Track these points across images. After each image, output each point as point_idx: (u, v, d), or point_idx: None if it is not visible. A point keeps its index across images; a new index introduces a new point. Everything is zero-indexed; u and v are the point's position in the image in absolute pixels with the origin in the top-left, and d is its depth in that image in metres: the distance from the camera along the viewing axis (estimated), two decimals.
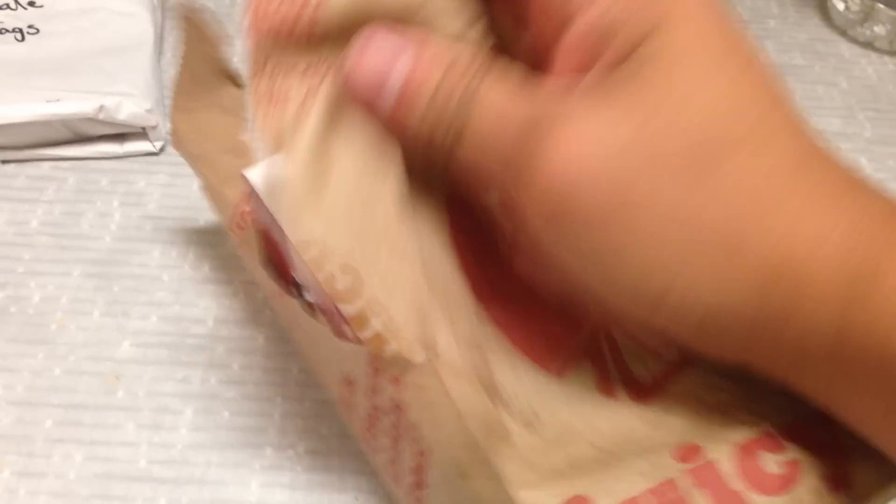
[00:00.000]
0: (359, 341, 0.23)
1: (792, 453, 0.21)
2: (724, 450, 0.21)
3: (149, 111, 0.38)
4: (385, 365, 0.22)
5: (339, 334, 0.24)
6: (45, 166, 0.39)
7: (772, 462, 0.21)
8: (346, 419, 0.28)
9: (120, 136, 0.39)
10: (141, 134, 0.39)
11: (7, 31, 0.42)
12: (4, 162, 0.39)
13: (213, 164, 0.32)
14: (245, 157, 0.27)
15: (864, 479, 0.21)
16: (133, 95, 0.39)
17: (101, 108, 0.38)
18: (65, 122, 0.38)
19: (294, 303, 0.25)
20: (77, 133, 0.39)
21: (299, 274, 0.25)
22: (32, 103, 0.38)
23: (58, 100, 0.38)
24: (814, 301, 0.18)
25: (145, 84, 0.40)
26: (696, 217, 0.19)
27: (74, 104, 0.38)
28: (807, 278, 0.18)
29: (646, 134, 0.19)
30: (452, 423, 0.20)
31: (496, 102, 0.21)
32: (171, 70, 0.44)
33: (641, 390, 0.23)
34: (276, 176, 0.25)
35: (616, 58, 0.20)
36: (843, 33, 0.50)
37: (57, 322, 0.33)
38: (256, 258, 0.27)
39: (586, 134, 0.19)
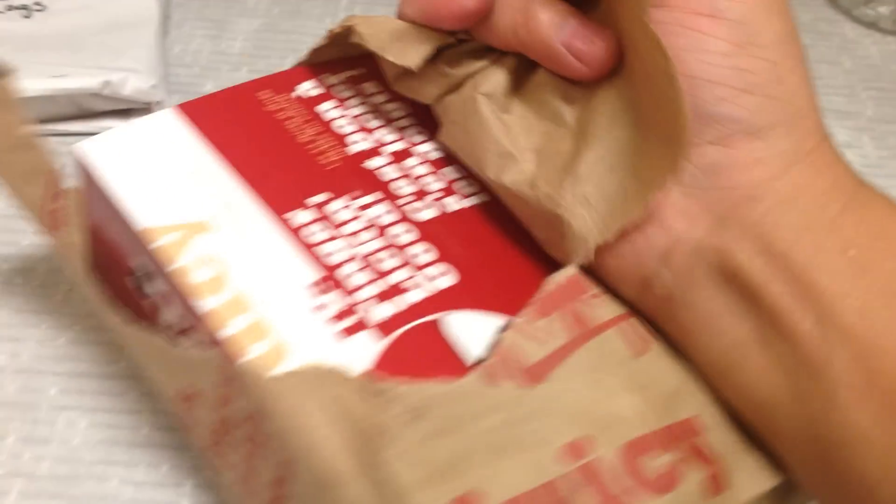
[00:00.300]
0: (212, 344, 0.22)
1: (677, 452, 0.21)
2: (613, 446, 0.20)
3: (153, 87, 0.39)
4: (241, 370, 0.21)
5: (180, 337, 0.23)
6: (50, 141, 0.39)
7: (657, 461, 0.21)
8: (186, 438, 0.27)
9: (124, 112, 0.40)
10: (145, 110, 0.40)
11: (14, 7, 0.42)
12: None
13: (5, 166, 0.28)
14: (34, 150, 0.26)
15: (744, 482, 0.21)
16: (138, 71, 0.39)
17: (107, 83, 0.38)
18: (70, 97, 0.38)
19: (119, 320, 0.24)
20: (82, 109, 0.39)
21: (140, 265, 0.24)
22: (38, 78, 0.38)
23: (63, 75, 0.38)
24: None
25: (150, 60, 0.40)
26: None
27: (80, 79, 0.38)
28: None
29: None
30: (324, 427, 0.19)
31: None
32: (176, 47, 0.44)
33: (528, 375, 0.21)
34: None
35: None
36: (847, 13, 0.50)
37: (62, 293, 0.33)
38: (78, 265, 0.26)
39: None
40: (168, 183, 0.24)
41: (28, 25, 0.41)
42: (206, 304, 0.22)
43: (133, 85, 0.38)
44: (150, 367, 0.26)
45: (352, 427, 0.20)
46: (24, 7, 0.42)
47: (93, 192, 0.25)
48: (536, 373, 0.21)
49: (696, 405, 0.22)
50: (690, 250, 0.21)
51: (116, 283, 0.26)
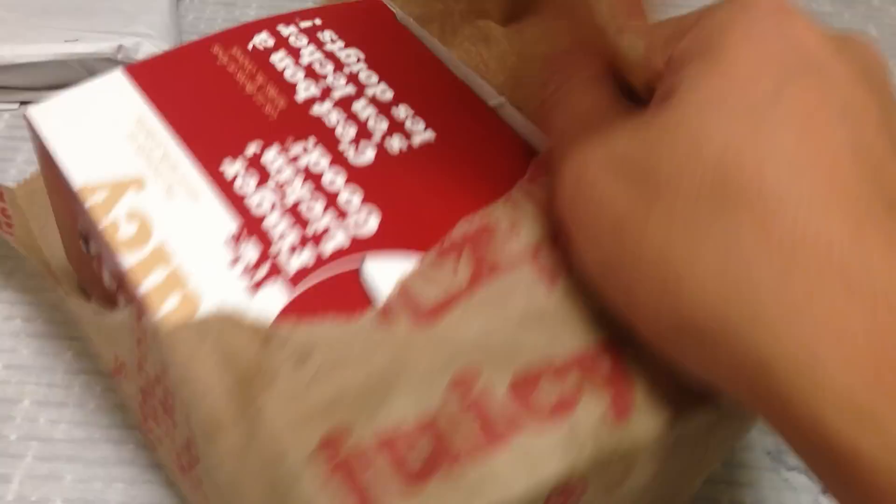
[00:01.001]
0: (131, 301, 0.22)
1: (574, 381, 0.20)
2: (503, 376, 0.20)
3: None
4: (148, 326, 0.21)
5: (112, 300, 0.22)
6: None
7: (550, 390, 0.20)
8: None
9: None
10: None
11: None
12: (23, 103, 0.39)
13: None
14: None
15: (648, 410, 0.20)
16: (151, 36, 0.38)
17: (120, 48, 0.37)
18: (82, 62, 0.38)
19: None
20: (94, 74, 0.38)
21: (82, 225, 0.24)
22: (51, 43, 0.37)
23: (76, 40, 0.38)
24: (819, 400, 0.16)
25: (164, 26, 0.39)
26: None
27: (93, 44, 0.37)
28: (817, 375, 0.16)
29: (648, 163, 0.19)
30: (212, 375, 0.19)
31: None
32: (189, 14, 0.44)
33: (424, 316, 0.21)
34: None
35: (663, 94, 0.20)
36: None
37: None
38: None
39: (600, 147, 0.20)
40: (106, 143, 0.24)
41: None
42: (129, 259, 0.22)
43: (146, 50, 0.38)
44: (93, 343, 0.26)
45: (239, 373, 0.19)
46: None
47: (44, 157, 0.25)
48: (433, 313, 0.21)
49: (602, 335, 0.21)
50: None
51: (76, 251, 0.26)
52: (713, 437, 0.23)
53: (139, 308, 0.21)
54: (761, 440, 0.29)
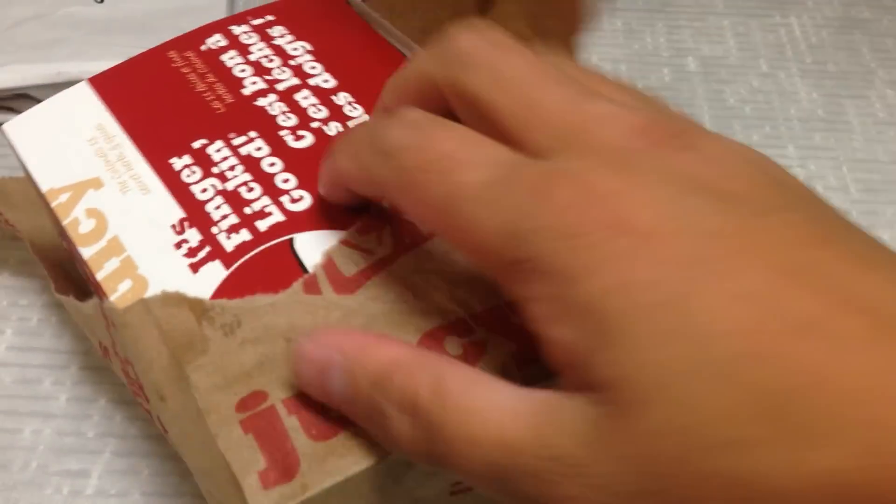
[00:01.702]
0: (95, 289, 0.24)
1: (480, 335, 0.21)
2: (410, 336, 0.21)
3: None
4: (106, 309, 0.22)
5: (96, 289, 0.24)
6: None
7: (456, 344, 0.21)
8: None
9: None
10: None
11: None
12: None
13: None
14: None
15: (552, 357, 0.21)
16: None
17: None
18: None
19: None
20: None
21: (55, 222, 0.26)
22: (110, 60, 0.39)
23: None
24: None
25: None
26: None
27: None
28: None
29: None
30: (155, 348, 0.21)
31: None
32: None
33: (346, 284, 0.23)
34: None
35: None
36: None
37: None
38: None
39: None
40: (69, 148, 0.27)
41: (101, 10, 0.42)
42: (88, 251, 0.24)
43: None
44: (83, 331, 0.28)
45: (176, 346, 0.21)
46: None
47: (22, 165, 0.27)
48: (353, 281, 0.23)
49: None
50: None
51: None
52: None
53: (100, 294, 0.23)
54: None
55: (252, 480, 0.19)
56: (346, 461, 0.20)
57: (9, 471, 0.28)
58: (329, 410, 0.20)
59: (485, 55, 0.20)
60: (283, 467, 0.20)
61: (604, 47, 0.45)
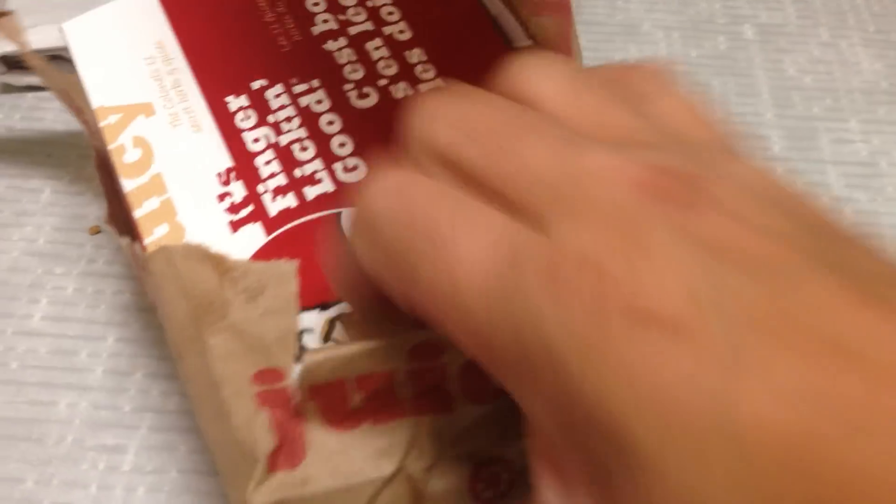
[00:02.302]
0: (133, 225, 0.22)
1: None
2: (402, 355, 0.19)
3: None
4: (136, 251, 0.22)
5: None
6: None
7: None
8: None
9: None
10: None
11: None
12: None
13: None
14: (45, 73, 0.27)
15: None
16: None
17: None
18: None
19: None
20: None
21: (100, 145, 0.25)
22: None
23: None
24: None
25: None
26: None
27: None
28: None
29: None
30: (175, 300, 0.20)
31: None
32: None
33: None
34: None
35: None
36: None
37: None
38: None
39: None
40: (127, 64, 0.25)
41: None
42: (131, 183, 0.23)
43: None
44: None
45: (196, 302, 0.20)
46: None
47: (77, 72, 0.26)
48: None
49: None
50: None
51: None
52: None
53: (135, 233, 0.22)
54: None
55: (262, 462, 0.18)
56: (354, 467, 0.18)
57: (43, 445, 0.28)
58: (348, 401, 0.19)
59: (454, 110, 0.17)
60: (289, 452, 0.19)
61: (657, 13, 0.43)
